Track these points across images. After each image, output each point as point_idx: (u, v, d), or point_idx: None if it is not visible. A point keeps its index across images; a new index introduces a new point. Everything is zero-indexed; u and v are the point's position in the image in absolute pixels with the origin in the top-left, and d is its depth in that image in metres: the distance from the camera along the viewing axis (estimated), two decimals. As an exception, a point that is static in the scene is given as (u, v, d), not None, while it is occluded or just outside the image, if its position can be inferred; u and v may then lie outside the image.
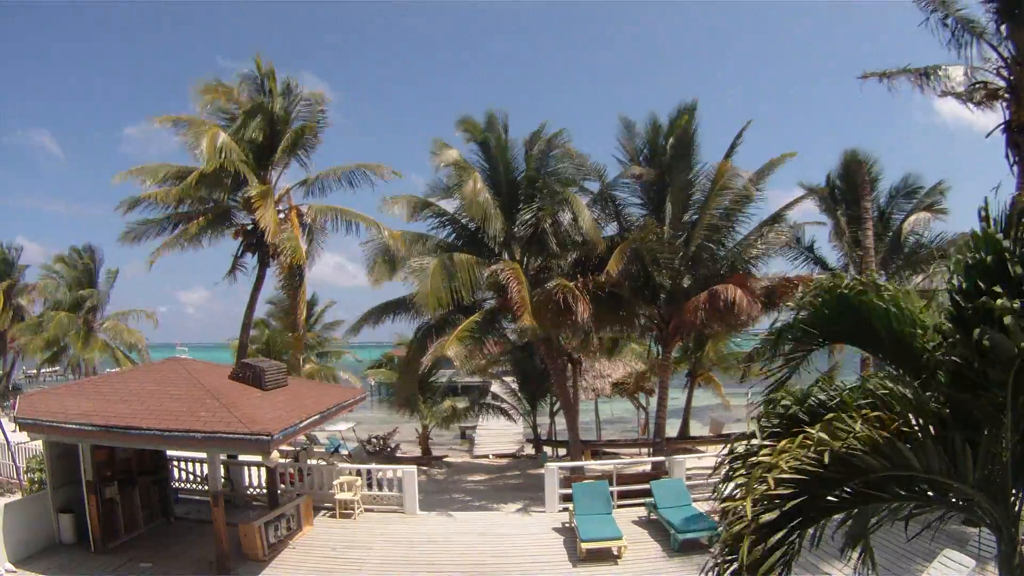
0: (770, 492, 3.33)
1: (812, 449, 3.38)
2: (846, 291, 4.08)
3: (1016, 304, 3.05)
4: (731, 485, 3.82)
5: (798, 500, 3.43)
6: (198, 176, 13.23)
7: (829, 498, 3.68)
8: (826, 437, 3.43)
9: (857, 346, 4.55)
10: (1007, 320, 3.03)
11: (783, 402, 4.16)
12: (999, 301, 3.08)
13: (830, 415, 3.61)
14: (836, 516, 3.99)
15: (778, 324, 4.62)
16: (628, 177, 14.45)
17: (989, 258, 3.30)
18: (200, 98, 14.40)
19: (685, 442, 19.52)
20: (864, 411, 3.59)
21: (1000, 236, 3.31)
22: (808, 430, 3.55)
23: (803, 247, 17.29)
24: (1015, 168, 11.16)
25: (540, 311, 12.56)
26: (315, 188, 15.88)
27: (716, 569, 3.54)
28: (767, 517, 3.35)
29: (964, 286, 3.44)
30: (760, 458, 3.59)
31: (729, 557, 3.46)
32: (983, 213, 3.47)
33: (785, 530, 3.41)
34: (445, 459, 21.10)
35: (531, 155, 14.75)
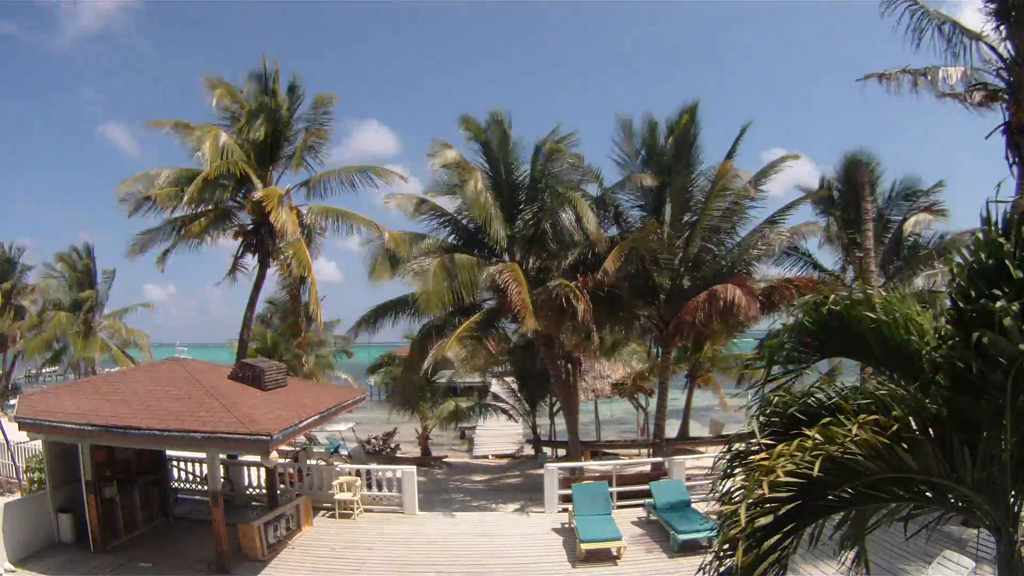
0: (766, 496, 3.33)
1: (809, 453, 3.37)
2: (836, 307, 4.02)
3: (1015, 307, 3.05)
4: (728, 485, 3.82)
5: (794, 503, 3.42)
6: (201, 183, 13.17)
7: (828, 498, 3.68)
8: (822, 440, 3.42)
9: (852, 359, 4.51)
10: (1007, 322, 3.04)
11: (778, 409, 4.15)
12: (999, 303, 3.08)
13: (827, 419, 3.59)
14: (835, 516, 3.98)
15: (771, 336, 4.51)
16: (631, 185, 14.43)
17: (991, 261, 3.29)
18: (210, 95, 14.41)
19: (685, 443, 19.49)
20: (862, 416, 3.58)
21: (1002, 239, 3.30)
22: (807, 432, 3.55)
23: (801, 253, 17.24)
24: (1015, 168, 11.16)
25: (541, 311, 12.55)
26: (315, 189, 15.80)
27: (711, 570, 3.54)
28: (762, 521, 3.35)
29: (965, 288, 3.44)
30: (758, 461, 3.59)
31: (727, 556, 3.46)
32: (984, 215, 3.46)
33: (780, 534, 3.41)
34: (445, 459, 21.11)
35: (538, 156, 14.68)
